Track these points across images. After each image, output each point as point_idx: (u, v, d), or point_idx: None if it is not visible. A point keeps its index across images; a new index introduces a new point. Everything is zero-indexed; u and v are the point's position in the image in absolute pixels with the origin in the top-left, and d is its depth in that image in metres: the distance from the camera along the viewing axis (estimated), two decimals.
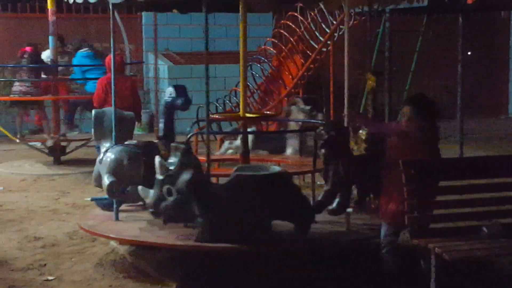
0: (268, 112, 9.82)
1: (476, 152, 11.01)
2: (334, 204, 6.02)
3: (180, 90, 7.50)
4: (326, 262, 6.17)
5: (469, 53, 16.17)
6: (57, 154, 11.19)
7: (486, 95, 17.48)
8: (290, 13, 10.81)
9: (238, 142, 8.47)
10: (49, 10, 11.26)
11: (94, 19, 14.63)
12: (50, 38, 11.28)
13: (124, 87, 9.49)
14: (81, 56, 11.48)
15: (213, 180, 6.76)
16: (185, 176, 5.62)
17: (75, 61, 11.51)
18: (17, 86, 11.07)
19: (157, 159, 5.70)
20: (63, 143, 11.31)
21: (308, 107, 7.89)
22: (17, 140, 11.38)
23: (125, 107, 9.33)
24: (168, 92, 7.35)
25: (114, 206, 6.46)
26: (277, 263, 6.12)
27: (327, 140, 5.95)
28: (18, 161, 11.43)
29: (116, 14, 11.68)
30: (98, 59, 11.27)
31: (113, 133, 6.50)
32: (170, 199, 5.65)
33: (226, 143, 8.92)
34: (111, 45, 6.67)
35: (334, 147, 5.97)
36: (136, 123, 8.58)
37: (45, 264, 6.45)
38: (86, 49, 11.51)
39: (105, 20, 12.93)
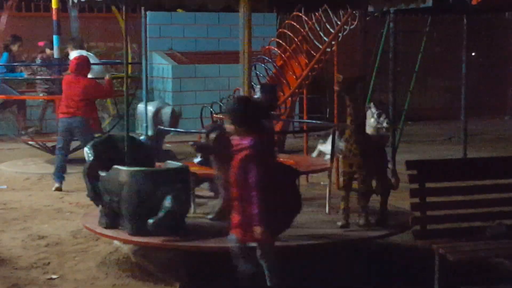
0: (272, 112, 9.80)
1: (480, 153, 11.00)
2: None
3: (265, 88, 7.55)
4: (329, 262, 6.17)
5: (473, 53, 16.16)
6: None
7: (490, 95, 17.47)
8: (294, 13, 10.80)
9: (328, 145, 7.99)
10: (54, 9, 11.28)
11: (98, 18, 14.65)
12: (55, 37, 11.31)
13: (74, 90, 9.34)
14: None
15: None
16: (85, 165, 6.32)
17: None
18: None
19: (85, 149, 6.36)
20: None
21: (377, 112, 7.82)
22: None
23: (70, 112, 9.33)
24: (256, 90, 7.50)
25: None
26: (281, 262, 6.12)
27: (201, 144, 6.01)
28: (22, 160, 11.45)
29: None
30: None
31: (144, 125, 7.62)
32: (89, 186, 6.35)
33: (318, 146, 8.75)
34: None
35: (208, 151, 6.01)
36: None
37: (48, 263, 6.46)
38: None
39: (110, 20, 13.03)
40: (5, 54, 11.69)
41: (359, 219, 6.07)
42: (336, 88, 6.06)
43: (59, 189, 9.38)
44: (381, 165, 6.27)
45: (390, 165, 6.53)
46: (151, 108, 9.70)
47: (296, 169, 6.14)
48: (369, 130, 6.50)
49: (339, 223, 6.08)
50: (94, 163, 6.33)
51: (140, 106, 9.12)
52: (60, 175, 9.47)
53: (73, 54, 10.91)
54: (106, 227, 6.17)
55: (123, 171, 6.03)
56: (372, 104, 7.80)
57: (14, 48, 11.71)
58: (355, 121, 6.01)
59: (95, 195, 6.32)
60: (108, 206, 6.15)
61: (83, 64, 9.62)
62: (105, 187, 6.15)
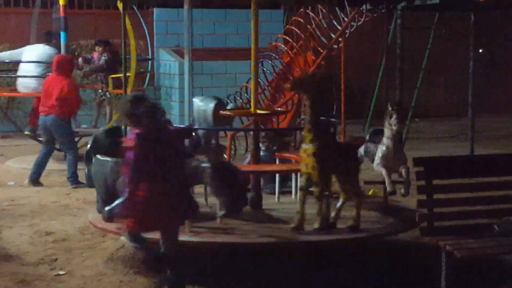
0: (279, 109, 9.80)
1: (487, 150, 10.97)
2: None
3: None
4: (334, 260, 6.18)
5: (480, 50, 16.12)
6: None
7: (497, 92, 17.42)
8: (301, 9, 10.79)
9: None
10: (61, 5, 11.29)
11: (105, 15, 14.65)
12: (62, 34, 11.31)
13: (53, 89, 9.34)
14: None
15: None
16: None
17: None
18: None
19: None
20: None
21: (390, 112, 7.70)
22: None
23: (45, 111, 9.42)
24: None
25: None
26: (284, 261, 6.12)
27: None
28: (29, 156, 11.45)
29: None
30: None
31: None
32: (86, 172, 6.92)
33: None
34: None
35: None
36: None
37: (56, 259, 6.48)
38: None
39: (116, 16, 13.02)
40: None
41: (314, 223, 5.87)
42: (286, 85, 5.90)
43: (35, 183, 9.52)
44: (349, 169, 5.98)
45: (403, 169, 6.39)
46: (197, 101, 9.37)
47: (238, 169, 6.11)
48: (386, 130, 6.37)
49: (292, 225, 5.92)
50: (90, 150, 6.66)
51: (195, 100, 8.69)
52: (34, 170, 9.51)
53: (28, 48, 11.09)
54: (99, 212, 6.41)
55: (98, 160, 6.32)
56: (389, 104, 7.62)
57: None
58: (312, 121, 5.79)
59: (90, 182, 6.66)
60: (98, 193, 6.48)
61: (63, 63, 9.57)
62: (94, 174, 6.47)
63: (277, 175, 7.09)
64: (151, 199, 5.09)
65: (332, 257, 6.18)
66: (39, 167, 9.59)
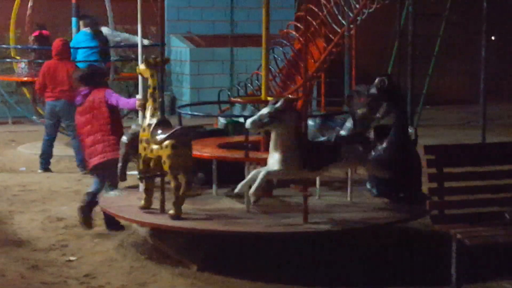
0: (290, 96, 9.79)
1: (498, 138, 10.91)
2: None
3: None
4: (345, 246, 6.17)
5: (493, 37, 16.02)
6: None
7: (510, 79, 17.33)
8: None
9: None
10: None
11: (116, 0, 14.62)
12: (73, 20, 11.33)
13: (61, 72, 9.39)
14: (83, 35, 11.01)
15: None
16: None
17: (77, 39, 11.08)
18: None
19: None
20: None
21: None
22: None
23: (55, 96, 9.51)
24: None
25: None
26: (298, 247, 6.13)
27: None
28: (40, 142, 11.48)
29: None
30: (95, 40, 11.01)
31: None
32: None
33: None
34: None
35: None
36: None
37: (67, 245, 6.52)
38: (87, 28, 11.00)
39: (127, 2, 13.01)
40: None
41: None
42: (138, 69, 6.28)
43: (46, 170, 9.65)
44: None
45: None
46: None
47: None
48: None
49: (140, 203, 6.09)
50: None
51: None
52: (43, 161, 9.59)
53: None
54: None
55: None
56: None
57: None
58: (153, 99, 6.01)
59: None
60: None
61: (66, 48, 9.64)
62: None
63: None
64: (86, 141, 6.77)
65: (341, 244, 6.17)
66: (46, 156, 9.65)
